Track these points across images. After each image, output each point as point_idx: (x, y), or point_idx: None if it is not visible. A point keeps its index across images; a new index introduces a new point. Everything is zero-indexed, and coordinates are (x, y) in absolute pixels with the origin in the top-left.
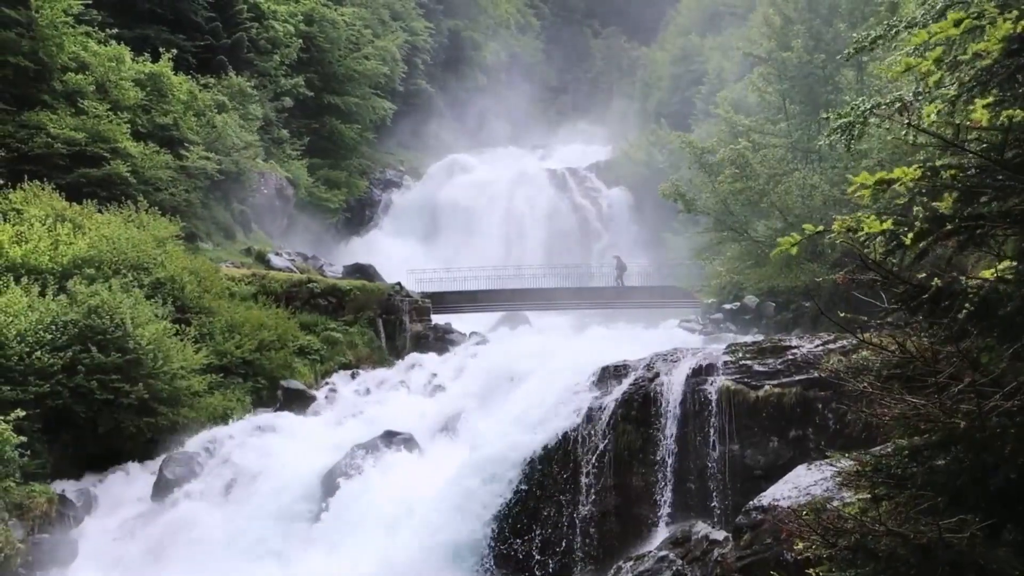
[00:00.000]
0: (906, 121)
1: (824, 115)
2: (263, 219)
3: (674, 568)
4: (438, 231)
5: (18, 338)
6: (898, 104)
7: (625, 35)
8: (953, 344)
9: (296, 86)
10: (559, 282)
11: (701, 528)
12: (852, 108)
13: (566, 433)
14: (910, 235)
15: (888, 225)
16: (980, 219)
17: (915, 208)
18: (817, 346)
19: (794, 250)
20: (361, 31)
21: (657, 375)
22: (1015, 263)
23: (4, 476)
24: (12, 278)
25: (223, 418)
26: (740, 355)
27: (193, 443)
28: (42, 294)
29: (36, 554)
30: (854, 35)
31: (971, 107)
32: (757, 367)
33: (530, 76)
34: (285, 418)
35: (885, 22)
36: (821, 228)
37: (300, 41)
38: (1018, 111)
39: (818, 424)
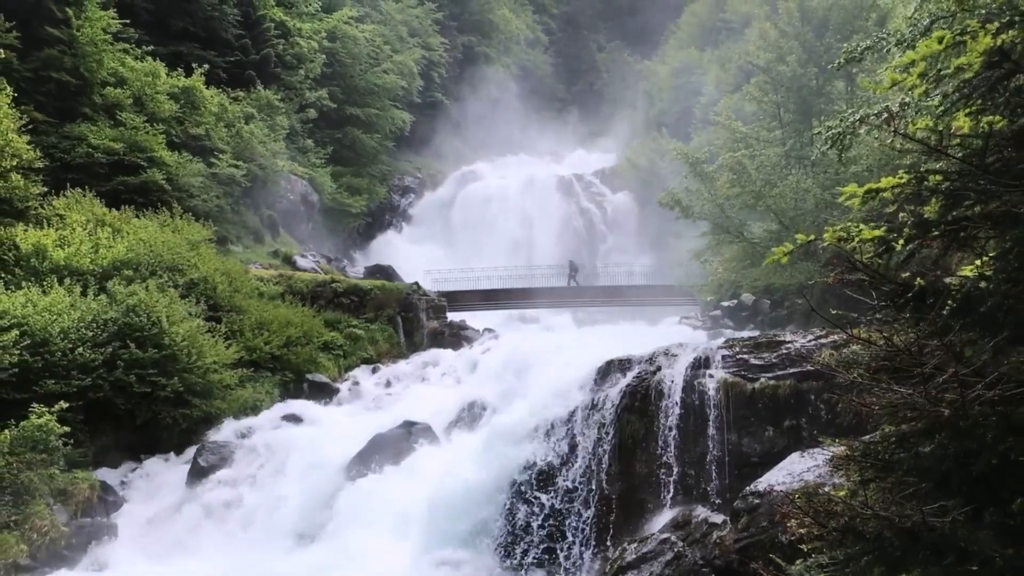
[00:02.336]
0: (892, 130)
1: (816, 129)
2: (289, 223)
3: (675, 550)
4: (453, 234)
5: (62, 335)
6: (885, 115)
7: (628, 49)
8: (938, 338)
9: (320, 98)
10: (567, 281)
11: (701, 512)
12: (841, 119)
13: (573, 424)
14: (900, 241)
15: (880, 232)
16: (963, 221)
17: (901, 215)
18: (810, 341)
19: (785, 259)
20: (380, 47)
21: (659, 368)
22: (996, 262)
23: (49, 464)
24: (56, 279)
25: (253, 409)
26: (737, 349)
27: (225, 433)
28: (84, 294)
29: (79, 537)
30: (844, 46)
31: (954, 117)
32: (753, 361)
33: (539, 88)
34: (311, 409)
35: (874, 34)
36: (812, 237)
37: (324, 56)
38: (998, 118)
39: (811, 414)
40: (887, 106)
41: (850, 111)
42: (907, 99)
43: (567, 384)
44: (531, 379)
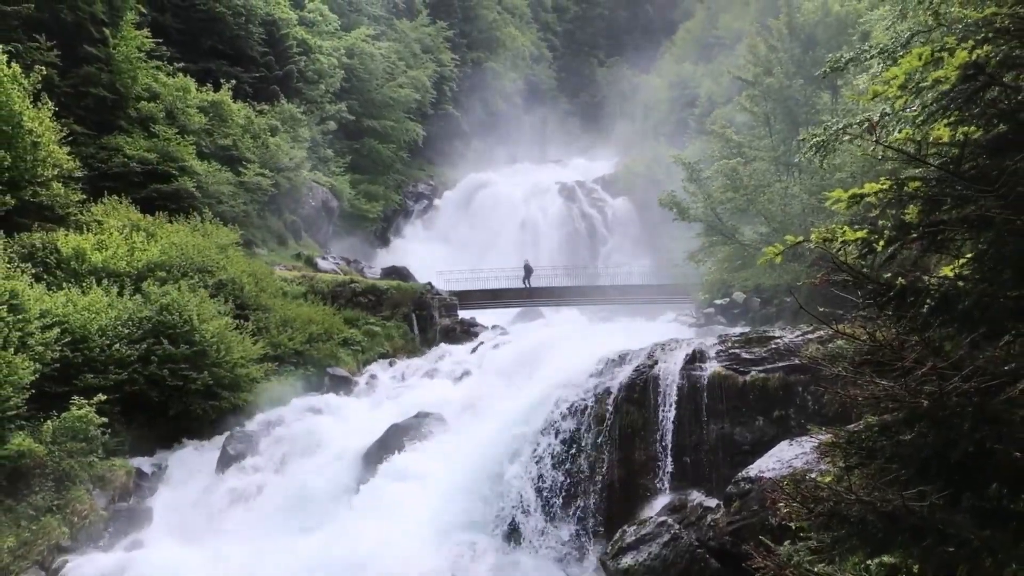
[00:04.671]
0: (874, 139)
1: (801, 136)
2: (311, 228)
3: (672, 531)
4: (463, 237)
5: (100, 332)
6: (866, 124)
7: (627, 64)
8: (917, 334)
9: (339, 111)
10: (570, 281)
11: (696, 497)
12: (825, 128)
13: (576, 415)
14: (881, 242)
15: (862, 234)
16: (941, 225)
17: (881, 221)
18: (797, 336)
19: (778, 259)
20: (396, 63)
21: (656, 362)
22: (972, 263)
23: (88, 452)
24: (94, 280)
25: (278, 401)
26: (729, 344)
27: (252, 423)
28: (120, 294)
29: (116, 520)
30: (829, 56)
31: (933, 127)
32: (745, 355)
33: (544, 101)
34: (332, 401)
35: (857, 46)
36: (801, 239)
37: (342, 72)
38: (973, 128)
39: (799, 405)
40: (868, 116)
41: (833, 120)
42: (887, 109)
43: (571, 377)
44: (537, 372)
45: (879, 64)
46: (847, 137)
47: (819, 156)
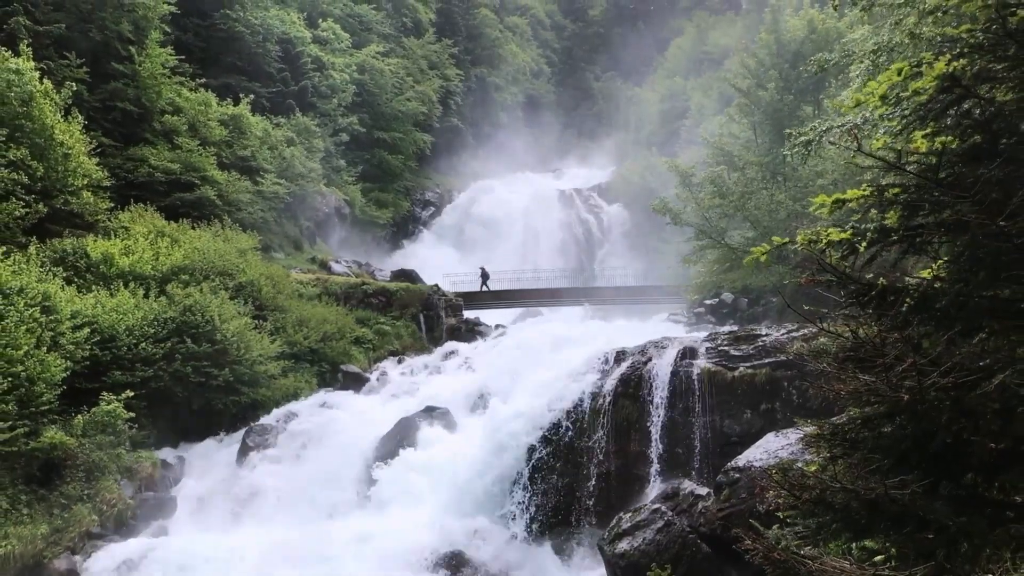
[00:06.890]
0: (856, 146)
1: (788, 131)
2: (325, 233)
3: (665, 518)
4: (468, 242)
5: (127, 332)
6: (848, 127)
7: (621, 78)
8: (897, 332)
9: (351, 124)
10: (568, 283)
11: (688, 485)
12: (812, 128)
13: (575, 408)
14: (863, 244)
15: (846, 235)
16: (919, 228)
17: (863, 226)
18: (783, 334)
19: (764, 259)
20: (404, 78)
21: (650, 359)
22: (949, 265)
23: (116, 445)
24: (122, 283)
25: (294, 396)
26: (719, 342)
27: (270, 417)
28: (146, 296)
29: (143, 509)
30: (816, 55)
31: (911, 137)
32: (733, 352)
33: (543, 113)
34: (345, 396)
35: (842, 49)
36: (787, 240)
37: (354, 87)
38: (950, 138)
39: (784, 399)
40: (850, 119)
41: (818, 121)
42: (868, 115)
43: (569, 372)
44: (537, 369)
45: (865, 64)
46: (830, 139)
47: (803, 153)
